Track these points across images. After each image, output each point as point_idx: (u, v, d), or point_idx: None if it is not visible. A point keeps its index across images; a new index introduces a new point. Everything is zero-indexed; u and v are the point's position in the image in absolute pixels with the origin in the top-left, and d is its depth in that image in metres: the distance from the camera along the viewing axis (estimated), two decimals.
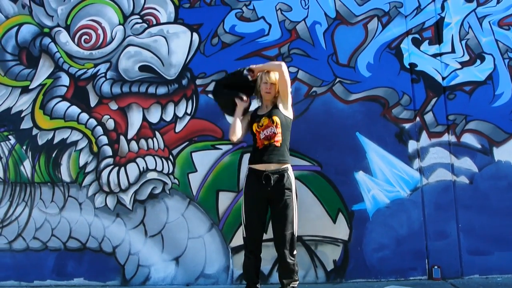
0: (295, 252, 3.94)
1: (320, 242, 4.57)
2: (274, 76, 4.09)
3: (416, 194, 4.55)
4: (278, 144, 3.97)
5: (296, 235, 3.95)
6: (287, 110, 4.08)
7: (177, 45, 4.92)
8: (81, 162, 4.86)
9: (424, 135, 4.61)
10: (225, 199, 4.70)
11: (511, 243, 4.42)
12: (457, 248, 4.47)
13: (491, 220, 4.46)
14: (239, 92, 4.13)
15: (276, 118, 4.00)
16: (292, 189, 3.97)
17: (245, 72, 4.11)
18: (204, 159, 4.74)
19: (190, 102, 4.83)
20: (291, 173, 4.01)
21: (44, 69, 5.03)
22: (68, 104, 4.93)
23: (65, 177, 4.86)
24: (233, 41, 4.86)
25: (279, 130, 3.99)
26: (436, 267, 4.44)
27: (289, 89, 4.05)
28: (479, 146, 4.57)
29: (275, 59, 4.80)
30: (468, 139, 4.58)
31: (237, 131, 4.02)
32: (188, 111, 4.82)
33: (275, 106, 4.09)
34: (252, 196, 3.97)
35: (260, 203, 3.96)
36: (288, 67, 4.65)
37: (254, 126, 4.03)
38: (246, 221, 3.98)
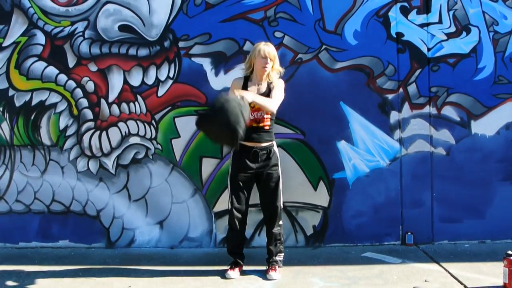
0: (281, 223, 4.04)
1: (301, 208, 4.62)
2: (273, 51, 3.92)
3: (395, 164, 4.58)
4: (267, 127, 3.91)
5: (281, 207, 4.04)
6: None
7: (159, 4, 4.58)
8: (61, 125, 4.66)
9: (406, 106, 4.56)
10: (208, 165, 4.63)
11: (480, 212, 4.58)
12: (430, 215, 4.59)
13: (463, 190, 4.56)
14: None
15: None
16: (278, 164, 3.98)
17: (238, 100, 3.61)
18: (187, 125, 4.59)
19: (172, 65, 4.60)
20: (276, 149, 3.99)
21: (18, 26, 4.63)
22: (45, 64, 4.63)
23: (45, 140, 4.67)
24: (217, 1, 4.55)
25: (268, 115, 3.91)
26: (409, 233, 4.57)
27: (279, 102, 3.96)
28: (458, 119, 4.56)
29: (260, 22, 4.56)
30: (448, 111, 4.56)
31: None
32: (171, 74, 4.60)
33: (268, 88, 3.94)
34: (240, 170, 3.93)
35: (247, 177, 3.94)
36: (273, 32, 4.61)
37: None
38: (233, 193, 3.95)
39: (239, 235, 4.07)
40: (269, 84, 3.98)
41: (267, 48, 3.93)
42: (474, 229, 4.61)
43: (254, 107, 3.88)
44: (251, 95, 3.78)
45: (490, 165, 4.60)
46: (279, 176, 4.00)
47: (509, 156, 4.59)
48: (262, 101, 3.83)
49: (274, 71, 3.98)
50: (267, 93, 3.96)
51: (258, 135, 3.92)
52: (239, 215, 4.01)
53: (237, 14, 4.60)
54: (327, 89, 4.59)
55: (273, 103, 3.89)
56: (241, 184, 3.98)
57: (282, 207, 4.07)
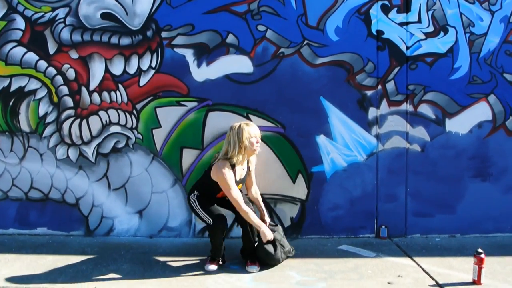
0: None
1: (279, 200, 4.66)
2: (258, 130, 4.04)
3: (372, 159, 4.64)
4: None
5: None
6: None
7: None
8: (41, 112, 4.59)
9: (384, 103, 4.62)
10: (189, 156, 4.62)
11: (451, 207, 4.70)
12: (404, 210, 4.68)
13: (436, 185, 4.66)
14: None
15: (244, 185, 4.17)
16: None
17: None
18: (168, 115, 4.58)
19: (155, 55, 4.55)
20: None
21: None
22: (24, 49, 4.55)
23: (24, 127, 4.61)
24: None
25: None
26: (383, 226, 4.66)
27: None
28: (433, 117, 4.63)
29: (244, 15, 4.54)
30: (424, 109, 4.63)
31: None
32: (153, 64, 4.56)
33: (248, 169, 4.12)
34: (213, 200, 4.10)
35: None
36: (256, 25, 4.60)
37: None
38: (207, 209, 4.00)
39: (222, 229, 4.01)
40: (247, 163, 4.14)
41: (253, 127, 4.01)
42: (445, 224, 4.73)
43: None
44: (268, 234, 3.95)
45: (462, 162, 4.70)
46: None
47: (481, 154, 4.71)
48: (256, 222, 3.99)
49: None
50: (246, 172, 4.11)
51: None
52: (222, 224, 4.00)
53: (220, 6, 4.57)
54: (307, 84, 4.61)
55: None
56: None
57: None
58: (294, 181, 4.70)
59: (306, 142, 4.66)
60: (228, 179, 3.88)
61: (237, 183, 3.99)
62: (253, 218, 3.93)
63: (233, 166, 3.95)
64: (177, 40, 4.59)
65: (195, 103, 4.63)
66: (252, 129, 3.96)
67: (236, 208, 3.91)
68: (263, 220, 4.11)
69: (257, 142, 3.98)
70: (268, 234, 3.93)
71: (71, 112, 4.66)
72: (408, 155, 4.71)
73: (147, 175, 4.69)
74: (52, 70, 4.63)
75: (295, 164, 4.69)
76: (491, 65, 4.66)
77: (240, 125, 3.96)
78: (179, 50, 4.60)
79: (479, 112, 4.70)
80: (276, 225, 4.24)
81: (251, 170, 4.16)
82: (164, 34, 4.60)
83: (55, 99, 4.65)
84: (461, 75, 4.67)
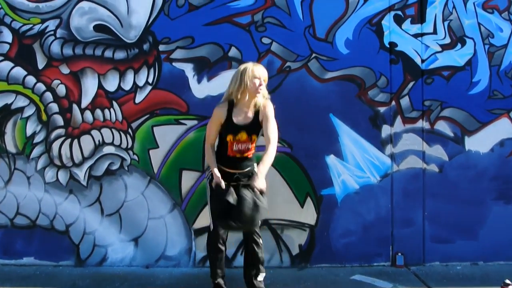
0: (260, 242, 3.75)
1: (287, 226, 4.37)
2: (266, 72, 3.63)
3: (386, 181, 4.37)
4: (250, 156, 3.66)
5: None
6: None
7: (138, 4, 4.30)
8: (29, 132, 4.31)
9: (398, 120, 4.36)
10: (188, 179, 4.36)
11: (472, 232, 4.40)
12: (421, 235, 4.39)
13: (456, 209, 4.38)
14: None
15: (255, 137, 3.64)
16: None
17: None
18: (166, 135, 4.34)
19: (152, 70, 4.31)
20: (255, 167, 3.70)
21: None
22: (11, 64, 4.28)
23: (10, 147, 4.32)
24: (201, 3, 4.29)
25: (253, 145, 3.65)
26: (399, 254, 4.35)
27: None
28: (451, 135, 4.37)
29: (247, 27, 4.30)
30: (442, 126, 4.38)
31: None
32: (150, 80, 4.31)
33: (257, 117, 3.63)
34: (222, 192, 3.56)
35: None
36: (261, 38, 4.33)
37: (229, 137, 3.59)
38: (214, 213, 3.62)
39: (221, 256, 3.74)
40: (256, 111, 3.65)
41: (260, 68, 3.63)
42: (467, 250, 4.42)
43: (240, 140, 3.61)
44: (262, 182, 3.47)
45: (484, 183, 4.42)
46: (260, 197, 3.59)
47: (503, 174, 4.42)
48: (268, 165, 3.53)
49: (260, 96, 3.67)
50: (255, 122, 3.65)
51: (240, 163, 3.67)
52: (222, 234, 3.72)
53: (222, 18, 4.35)
54: (316, 100, 4.36)
55: (274, 150, 3.56)
56: (223, 200, 3.58)
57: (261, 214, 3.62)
58: (302, 205, 4.42)
59: (315, 163, 4.39)
60: (213, 115, 3.67)
61: (240, 128, 3.60)
62: (207, 159, 3.74)
63: (233, 105, 3.63)
64: (176, 54, 4.36)
65: (195, 121, 4.37)
66: (257, 69, 3.58)
67: None
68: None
69: (260, 85, 3.58)
70: (215, 178, 3.56)
71: (61, 131, 4.38)
72: (425, 176, 4.42)
73: (143, 199, 4.40)
74: (41, 86, 4.36)
75: (303, 187, 4.41)
76: None
77: (246, 65, 3.64)
78: (178, 65, 4.36)
79: (501, 129, 4.42)
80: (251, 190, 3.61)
81: (266, 121, 3.63)
82: (162, 48, 4.36)
83: (44, 117, 4.37)
84: (481, 89, 4.40)
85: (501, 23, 4.39)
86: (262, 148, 3.64)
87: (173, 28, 4.34)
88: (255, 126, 3.64)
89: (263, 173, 3.49)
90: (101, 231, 4.41)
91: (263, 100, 3.66)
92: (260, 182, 3.46)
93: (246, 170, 3.67)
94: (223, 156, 3.67)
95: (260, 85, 3.58)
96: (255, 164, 3.72)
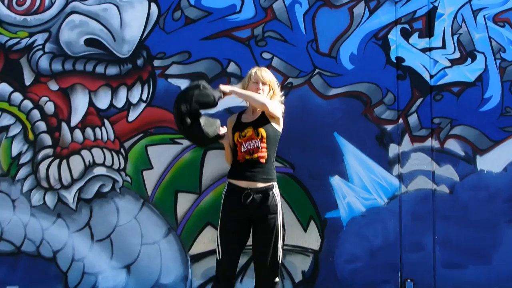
0: (276, 280, 3.45)
1: (289, 252, 4.10)
2: (267, 75, 3.47)
3: (394, 203, 4.14)
4: (262, 160, 3.37)
5: (280, 262, 3.46)
6: (278, 123, 3.48)
7: (132, 17, 4.13)
8: (14, 152, 4.11)
9: (406, 138, 4.14)
10: (184, 202, 4.13)
11: (486, 257, 4.16)
12: (432, 261, 4.16)
13: (468, 232, 4.15)
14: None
15: (262, 131, 3.36)
16: (277, 211, 3.41)
17: (216, 97, 3.38)
18: (161, 155, 4.14)
19: (146, 86, 4.12)
20: (277, 193, 3.45)
21: None
22: None
23: None
24: (198, 16, 4.12)
25: (264, 144, 3.36)
26: (409, 280, 4.13)
27: (279, 114, 3.50)
28: (462, 154, 4.15)
29: (247, 41, 4.12)
30: (452, 145, 4.16)
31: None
32: (144, 97, 4.13)
33: (264, 115, 3.44)
34: (231, 216, 3.40)
35: (239, 224, 3.40)
36: (261, 53, 4.14)
37: (236, 136, 3.41)
38: (222, 244, 3.41)
39: None
40: (264, 115, 3.49)
41: (260, 72, 3.48)
42: (480, 276, 4.17)
43: (246, 136, 3.40)
44: (229, 87, 3.48)
45: (497, 205, 4.17)
46: (278, 227, 3.42)
47: None
48: (245, 92, 3.45)
49: (269, 96, 3.51)
50: (262, 117, 3.48)
51: (252, 172, 3.38)
52: (229, 269, 3.45)
53: (220, 32, 4.17)
54: (319, 118, 4.16)
55: (262, 97, 3.44)
56: (232, 233, 3.44)
57: (279, 262, 3.47)
58: (305, 229, 4.18)
59: (318, 184, 4.16)
60: (227, 125, 3.67)
61: (246, 125, 3.46)
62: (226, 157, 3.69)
63: (240, 114, 3.60)
64: (172, 70, 4.17)
65: None
66: (256, 73, 3.48)
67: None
68: None
69: (258, 89, 3.44)
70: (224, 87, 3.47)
71: (49, 151, 4.17)
72: (435, 198, 4.19)
73: (136, 223, 4.17)
74: (28, 104, 4.16)
75: (306, 210, 4.17)
76: None
77: (252, 69, 3.56)
78: (173, 81, 4.16)
79: None
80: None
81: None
82: (156, 63, 4.16)
83: (31, 136, 4.17)
84: (492, 106, 4.19)
85: None
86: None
87: (169, 42, 4.17)
88: (262, 120, 3.47)
89: (236, 89, 3.48)
90: (91, 258, 4.18)
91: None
92: (226, 87, 3.45)
93: (259, 184, 3.40)
94: (234, 165, 3.50)
95: (257, 89, 3.43)
96: (274, 183, 3.48)
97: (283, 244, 3.48)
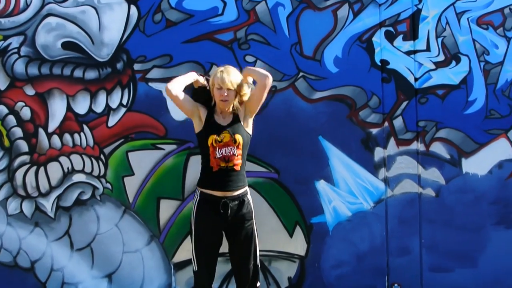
0: (258, 284, 3.43)
1: (275, 258, 4.06)
2: (234, 77, 3.30)
3: (380, 207, 4.10)
4: (237, 168, 3.28)
5: (259, 264, 3.46)
6: (249, 126, 3.40)
7: (111, 19, 4.03)
8: None
9: (392, 142, 4.09)
10: (167, 208, 4.06)
11: (473, 260, 4.14)
12: (419, 264, 4.12)
13: (454, 235, 4.12)
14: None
15: (239, 138, 3.27)
16: (253, 216, 3.37)
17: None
18: (142, 161, 4.05)
19: (126, 90, 4.03)
20: (250, 198, 3.40)
21: None
22: None
23: None
24: (180, 19, 4.03)
25: (240, 151, 3.27)
26: (396, 284, 4.09)
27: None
28: (448, 157, 4.12)
29: (229, 44, 4.02)
30: (438, 148, 4.12)
31: (178, 87, 3.37)
32: (124, 101, 4.03)
33: (237, 118, 3.35)
34: (206, 226, 3.30)
35: (215, 234, 3.32)
36: (244, 56, 4.05)
37: (211, 139, 3.27)
38: (199, 255, 3.33)
39: None
40: (236, 114, 3.41)
41: (222, 76, 3.30)
42: (467, 279, 4.14)
43: (222, 141, 3.28)
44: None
45: (483, 207, 4.15)
46: (254, 232, 3.41)
47: (503, 197, 4.15)
48: (252, 69, 3.51)
49: (245, 109, 3.44)
50: (236, 121, 3.39)
51: (227, 181, 3.30)
52: (208, 279, 3.39)
53: (202, 34, 4.08)
54: (304, 122, 4.10)
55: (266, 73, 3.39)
56: (207, 244, 3.37)
57: (259, 266, 3.47)
58: (291, 235, 4.12)
59: (304, 189, 4.10)
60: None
61: (222, 128, 3.32)
62: (178, 79, 3.46)
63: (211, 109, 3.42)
64: (153, 73, 4.07)
65: (174, 146, 4.08)
66: (221, 76, 3.29)
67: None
68: None
69: (221, 95, 3.29)
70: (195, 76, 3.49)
71: (25, 158, 4.06)
72: (421, 201, 4.15)
73: (118, 231, 4.09)
74: (3, 109, 4.06)
75: (291, 215, 4.11)
76: (509, 97, 4.15)
77: (215, 71, 3.41)
78: (154, 85, 4.06)
79: (499, 150, 4.16)
80: None
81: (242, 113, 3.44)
82: (137, 67, 4.07)
83: (7, 143, 4.07)
84: (477, 109, 4.16)
85: (496, 39, 4.16)
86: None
87: (149, 45, 4.07)
88: (237, 125, 3.37)
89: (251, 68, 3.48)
90: (71, 268, 4.09)
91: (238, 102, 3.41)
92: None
93: (236, 191, 3.32)
94: (206, 173, 3.35)
95: (221, 95, 3.30)
96: (247, 189, 3.42)
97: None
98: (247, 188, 3.43)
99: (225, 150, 3.28)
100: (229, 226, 3.33)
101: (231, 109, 3.36)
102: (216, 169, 3.27)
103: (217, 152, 3.27)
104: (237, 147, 3.29)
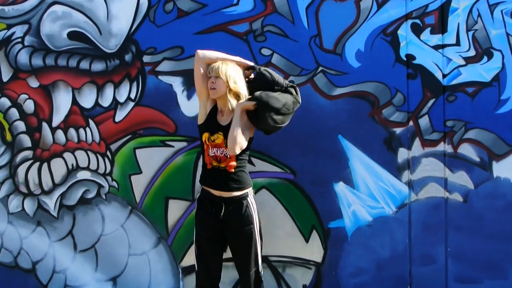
0: None
1: (289, 264, 3.97)
2: (224, 68, 3.19)
3: (403, 212, 3.95)
4: (231, 169, 3.17)
5: (261, 271, 3.33)
6: (248, 129, 3.23)
7: (120, 8, 3.96)
8: None
9: (417, 142, 3.95)
10: (176, 209, 4.00)
11: (503, 270, 3.97)
12: (444, 274, 3.97)
13: (483, 244, 3.95)
14: None
15: None
16: (253, 221, 3.22)
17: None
18: (151, 158, 4.01)
19: (134, 84, 3.97)
20: (251, 200, 3.25)
21: None
22: None
23: None
24: (192, 8, 3.93)
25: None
26: None
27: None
28: (477, 159, 3.94)
29: (244, 36, 3.89)
30: (466, 150, 3.95)
31: (210, 55, 3.29)
32: (132, 95, 3.97)
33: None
34: (204, 223, 3.25)
35: (212, 233, 3.25)
36: (260, 49, 3.90)
37: (205, 136, 3.22)
38: (198, 252, 3.28)
39: None
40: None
41: (216, 67, 3.21)
42: None
43: (214, 142, 3.20)
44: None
45: None
46: (254, 235, 3.25)
47: None
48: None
49: (231, 96, 3.22)
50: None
51: (221, 181, 3.21)
52: (205, 279, 3.30)
53: (216, 25, 3.96)
54: (323, 120, 3.96)
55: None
56: (206, 241, 3.28)
57: (261, 272, 3.34)
58: (307, 240, 4.00)
59: (321, 191, 3.98)
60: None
61: (218, 128, 3.22)
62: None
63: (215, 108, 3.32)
64: (163, 66, 3.98)
65: (184, 143, 4.00)
66: (212, 67, 3.22)
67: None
68: None
69: (211, 83, 3.21)
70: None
71: (28, 153, 4.03)
72: (448, 207, 3.98)
73: (123, 232, 4.04)
74: (5, 102, 4.03)
75: (308, 219, 3.99)
76: None
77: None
78: (164, 78, 3.98)
79: None
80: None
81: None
82: (146, 59, 3.99)
83: (9, 137, 4.04)
84: (510, 108, 3.95)
85: None
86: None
87: (160, 36, 3.98)
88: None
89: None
90: (74, 270, 4.07)
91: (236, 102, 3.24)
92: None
93: (233, 193, 3.20)
94: (203, 169, 3.33)
95: (211, 83, 3.21)
96: (248, 191, 3.27)
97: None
98: (248, 190, 3.28)
99: (217, 150, 3.21)
100: (226, 228, 3.25)
101: (230, 107, 3.23)
102: (210, 167, 3.24)
103: (210, 150, 3.22)
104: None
